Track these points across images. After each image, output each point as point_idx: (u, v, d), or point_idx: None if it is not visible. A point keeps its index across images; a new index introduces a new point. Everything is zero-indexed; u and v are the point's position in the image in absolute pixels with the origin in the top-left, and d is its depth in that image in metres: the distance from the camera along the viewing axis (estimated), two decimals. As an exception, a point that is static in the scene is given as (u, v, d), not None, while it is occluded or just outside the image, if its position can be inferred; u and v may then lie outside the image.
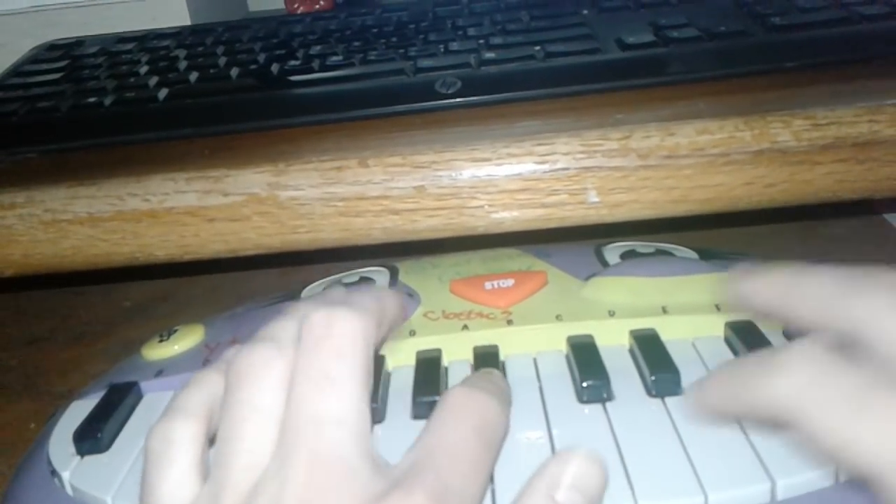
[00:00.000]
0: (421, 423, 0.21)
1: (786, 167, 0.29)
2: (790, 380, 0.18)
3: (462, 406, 0.21)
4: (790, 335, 0.29)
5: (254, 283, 0.46)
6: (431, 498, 0.18)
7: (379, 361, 0.29)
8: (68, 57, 0.45)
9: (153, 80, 0.39)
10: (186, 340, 0.33)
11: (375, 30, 0.44)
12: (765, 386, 0.18)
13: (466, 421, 0.21)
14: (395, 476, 0.19)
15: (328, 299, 0.24)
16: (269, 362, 0.20)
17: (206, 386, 0.22)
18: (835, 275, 0.20)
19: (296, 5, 0.61)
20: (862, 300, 0.19)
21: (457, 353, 0.30)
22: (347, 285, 0.35)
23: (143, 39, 0.47)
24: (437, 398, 0.23)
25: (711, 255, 0.34)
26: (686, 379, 0.26)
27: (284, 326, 0.22)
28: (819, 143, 0.29)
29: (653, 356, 0.27)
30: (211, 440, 0.21)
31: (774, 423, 0.19)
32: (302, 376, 0.20)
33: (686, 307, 0.30)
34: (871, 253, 0.42)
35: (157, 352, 0.33)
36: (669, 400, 0.26)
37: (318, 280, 0.37)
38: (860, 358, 0.18)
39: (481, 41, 0.39)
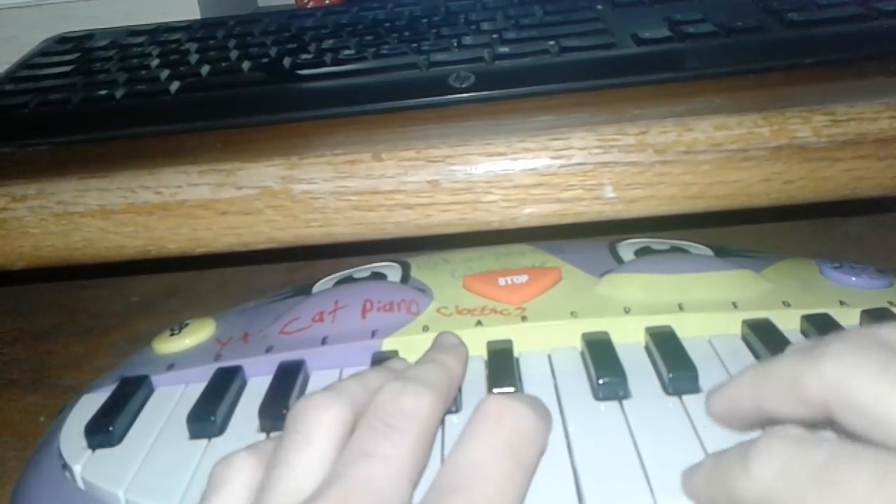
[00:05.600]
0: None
1: (805, 164, 0.29)
2: (756, 477, 0.18)
3: (495, 419, 0.21)
4: (808, 333, 0.28)
5: (264, 279, 0.45)
6: None
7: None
8: (79, 50, 0.45)
9: (165, 73, 0.39)
10: (197, 335, 0.33)
11: (387, 24, 0.44)
12: (735, 487, 0.19)
13: (498, 436, 0.20)
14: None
15: (392, 369, 0.25)
16: (328, 405, 0.22)
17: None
18: (791, 357, 0.20)
19: (305, 0, 0.61)
20: (815, 377, 0.19)
21: (471, 349, 0.29)
22: (358, 280, 0.35)
23: (154, 33, 0.47)
24: None
25: (727, 253, 0.34)
26: (704, 376, 0.26)
27: (349, 386, 0.23)
28: (839, 140, 0.28)
29: (670, 353, 0.27)
30: None
31: None
32: (364, 425, 0.21)
33: (702, 304, 0.30)
34: (885, 252, 0.42)
35: (169, 346, 0.32)
36: (687, 398, 0.26)
37: (328, 275, 0.37)
38: (836, 431, 0.19)
39: (495, 36, 0.39)
